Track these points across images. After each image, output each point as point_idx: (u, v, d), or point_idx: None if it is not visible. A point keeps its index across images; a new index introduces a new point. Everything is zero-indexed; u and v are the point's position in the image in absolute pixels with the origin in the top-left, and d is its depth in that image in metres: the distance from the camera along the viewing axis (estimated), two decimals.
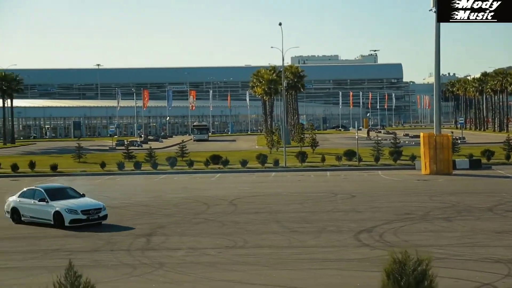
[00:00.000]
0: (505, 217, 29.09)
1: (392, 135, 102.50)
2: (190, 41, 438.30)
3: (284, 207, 33.65)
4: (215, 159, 61.93)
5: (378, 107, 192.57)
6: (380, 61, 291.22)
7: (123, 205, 35.31)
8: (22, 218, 29.73)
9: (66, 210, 28.27)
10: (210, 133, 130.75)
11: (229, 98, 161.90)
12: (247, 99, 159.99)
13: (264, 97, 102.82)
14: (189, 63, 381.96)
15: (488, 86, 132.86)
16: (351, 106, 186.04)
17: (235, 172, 56.05)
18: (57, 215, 28.34)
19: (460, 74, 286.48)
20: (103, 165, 59.65)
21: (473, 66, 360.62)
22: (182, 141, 75.00)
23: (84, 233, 27.34)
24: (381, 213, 30.97)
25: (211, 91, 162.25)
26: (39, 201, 28.99)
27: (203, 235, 26.38)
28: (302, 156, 61.27)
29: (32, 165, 58.87)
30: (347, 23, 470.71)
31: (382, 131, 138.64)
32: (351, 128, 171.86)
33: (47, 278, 18.83)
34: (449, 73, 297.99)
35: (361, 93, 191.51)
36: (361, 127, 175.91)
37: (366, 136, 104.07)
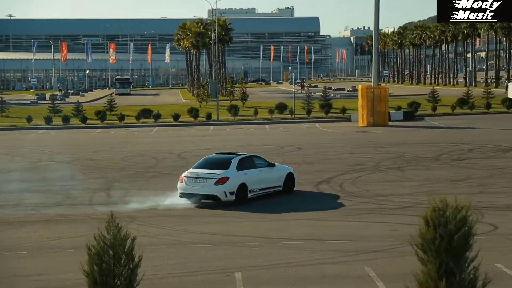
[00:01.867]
0: (453, 166, 29.96)
1: (315, 89, 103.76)
2: None
3: None
4: (146, 113, 61.27)
5: (297, 60, 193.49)
6: (297, 14, 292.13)
7: (69, 159, 34.50)
8: (249, 195, 23.38)
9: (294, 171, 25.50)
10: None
11: (149, 51, 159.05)
12: (167, 53, 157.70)
13: (192, 50, 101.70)
14: (104, 15, 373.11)
15: (407, 40, 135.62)
16: (272, 60, 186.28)
17: (168, 126, 55.69)
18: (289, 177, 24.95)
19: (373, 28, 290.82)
20: (29, 119, 58.07)
21: (388, 20, 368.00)
22: (111, 94, 73.87)
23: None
24: (333, 164, 31.37)
25: (131, 44, 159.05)
26: (267, 167, 24.40)
27: (163, 189, 26.03)
28: (234, 110, 61.30)
29: None
30: None
31: (304, 84, 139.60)
32: (271, 81, 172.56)
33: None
34: (364, 27, 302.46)
35: (282, 47, 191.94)
36: (281, 81, 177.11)
37: (300, 89, 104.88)
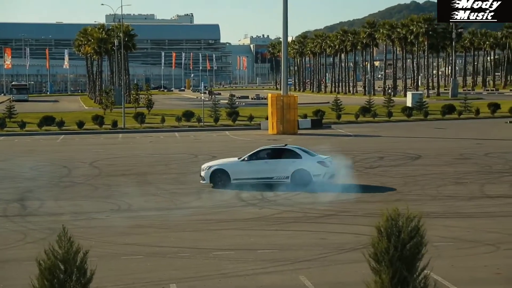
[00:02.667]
0: (367, 174, 30.57)
1: (219, 96, 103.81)
2: None
3: (150, 169, 33.16)
4: (49, 120, 59.71)
5: (200, 68, 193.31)
6: (196, 21, 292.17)
7: None
8: None
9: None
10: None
11: (47, 56, 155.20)
12: (66, 58, 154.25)
13: (94, 56, 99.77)
14: None
15: (308, 48, 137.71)
16: (174, 67, 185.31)
17: (73, 134, 54.50)
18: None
19: (272, 36, 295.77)
20: None
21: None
22: (10, 101, 71.45)
23: None
24: None
25: (28, 49, 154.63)
26: None
27: (80, 199, 25.47)
28: (141, 117, 60.58)
29: None
30: None
31: (208, 92, 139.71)
32: (173, 89, 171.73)
33: None
34: (263, 35, 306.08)
35: (183, 54, 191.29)
36: (183, 88, 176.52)
37: (209, 96, 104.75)
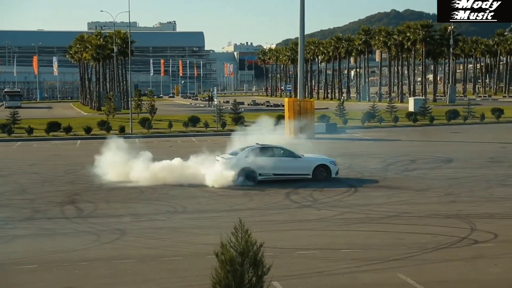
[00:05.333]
0: (407, 176, 30.57)
1: (213, 103, 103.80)
2: None
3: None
4: (55, 126, 59.27)
5: (187, 75, 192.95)
6: (178, 29, 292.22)
7: (10, 173, 32.77)
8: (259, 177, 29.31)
9: (331, 162, 30.11)
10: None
11: (35, 63, 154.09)
12: (55, 65, 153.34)
13: (92, 63, 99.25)
14: None
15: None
16: (163, 74, 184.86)
17: (84, 139, 54.10)
18: (321, 168, 29.60)
19: (255, 44, 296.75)
20: None
21: (268, 36, 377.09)
22: (6, 107, 70.94)
23: None
24: None
25: (15, 56, 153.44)
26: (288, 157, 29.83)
27: (131, 201, 25.30)
28: (148, 123, 60.35)
29: None
30: None
31: (200, 99, 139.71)
32: (162, 95, 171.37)
33: None
34: (247, 43, 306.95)
35: (171, 61, 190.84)
36: (172, 94, 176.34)
37: (209, 102, 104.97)
